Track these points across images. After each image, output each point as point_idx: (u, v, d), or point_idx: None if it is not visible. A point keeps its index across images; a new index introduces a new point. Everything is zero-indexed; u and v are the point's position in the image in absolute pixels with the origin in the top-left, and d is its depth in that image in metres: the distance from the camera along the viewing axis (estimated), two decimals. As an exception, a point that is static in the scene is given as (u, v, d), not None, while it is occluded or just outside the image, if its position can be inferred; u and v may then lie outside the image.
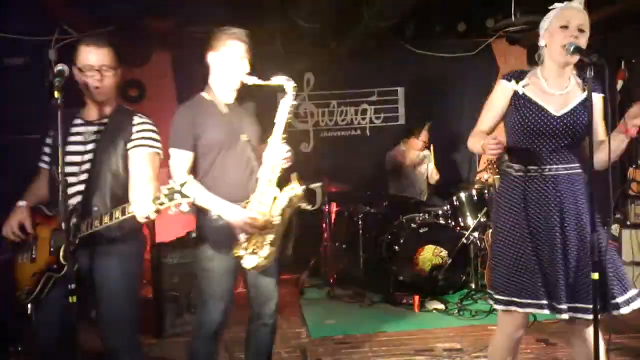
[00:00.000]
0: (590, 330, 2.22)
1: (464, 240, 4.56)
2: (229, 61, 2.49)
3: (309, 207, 2.66)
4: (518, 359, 2.46)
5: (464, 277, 4.61)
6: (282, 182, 2.53)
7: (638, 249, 4.37)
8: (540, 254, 2.22)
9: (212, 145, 2.47)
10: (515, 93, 2.29)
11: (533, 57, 2.38)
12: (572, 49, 2.15)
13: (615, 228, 4.66)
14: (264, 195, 2.46)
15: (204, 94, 2.56)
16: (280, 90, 2.53)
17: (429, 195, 5.63)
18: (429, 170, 5.69)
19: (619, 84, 5.70)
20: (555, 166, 2.25)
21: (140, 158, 2.34)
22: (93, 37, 2.33)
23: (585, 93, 2.25)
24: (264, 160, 2.49)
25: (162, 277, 3.91)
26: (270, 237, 2.43)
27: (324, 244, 5.01)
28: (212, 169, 2.49)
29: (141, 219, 2.10)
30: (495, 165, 4.45)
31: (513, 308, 2.23)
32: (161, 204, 2.02)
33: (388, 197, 5.28)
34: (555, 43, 2.21)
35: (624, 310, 2.19)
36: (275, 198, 2.46)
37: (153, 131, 2.41)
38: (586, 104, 2.21)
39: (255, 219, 2.39)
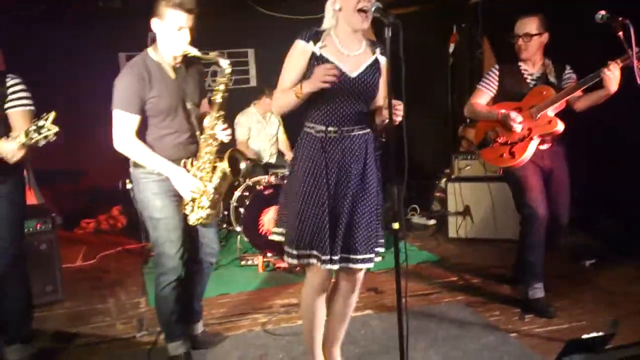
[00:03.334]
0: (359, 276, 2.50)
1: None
2: (169, 31, 2.55)
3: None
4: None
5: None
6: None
7: (461, 201, 4.79)
8: (334, 209, 2.34)
9: (159, 110, 2.60)
10: (313, 54, 2.32)
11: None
12: (374, 9, 2.21)
13: (443, 182, 5.07)
14: (204, 163, 2.66)
15: (151, 54, 2.63)
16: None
17: (277, 156, 5.72)
18: (279, 134, 5.76)
19: (451, 47, 6.12)
20: (351, 127, 2.36)
21: (18, 117, 2.66)
22: None
23: (375, 55, 2.40)
24: (205, 129, 2.65)
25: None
26: (207, 201, 2.67)
27: (170, 211, 4.89)
28: (156, 131, 2.64)
29: (10, 159, 2.47)
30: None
31: (312, 261, 2.38)
32: (30, 139, 2.37)
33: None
34: (350, 6, 2.26)
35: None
36: (214, 168, 2.67)
37: (26, 90, 2.72)
38: (375, 65, 2.37)
39: (199, 188, 2.63)
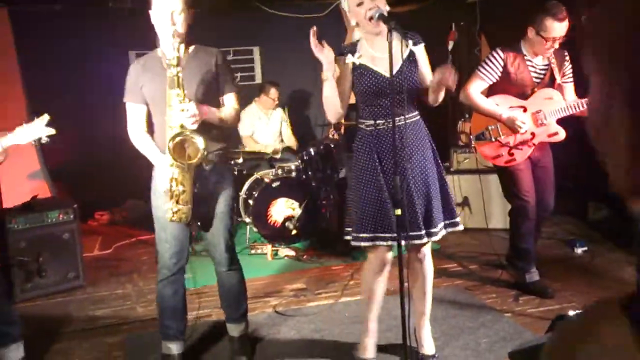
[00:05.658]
0: (425, 251, 2.73)
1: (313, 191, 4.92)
2: (156, 18, 2.54)
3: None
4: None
5: (313, 226, 4.98)
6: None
7: (459, 192, 5.01)
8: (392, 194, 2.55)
9: (150, 98, 2.65)
10: (353, 64, 2.59)
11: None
12: (377, 16, 2.43)
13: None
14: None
15: (158, 49, 2.67)
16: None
17: (282, 151, 5.94)
18: (284, 129, 5.97)
19: (450, 44, 6.32)
20: (398, 118, 2.53)
21: None
22: None
23: (409, 48, 2.62)
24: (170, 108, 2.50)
25: (7, 243, 3.83)
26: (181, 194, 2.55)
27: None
28: (157, 120, 2.66)
29: None
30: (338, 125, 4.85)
31: (379, 243, 2.60)
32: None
33: (243, 155, 5.49)
34: (361, 19, 2.50)
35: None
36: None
37: None
38: (411, 57, 2.61)
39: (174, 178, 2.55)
